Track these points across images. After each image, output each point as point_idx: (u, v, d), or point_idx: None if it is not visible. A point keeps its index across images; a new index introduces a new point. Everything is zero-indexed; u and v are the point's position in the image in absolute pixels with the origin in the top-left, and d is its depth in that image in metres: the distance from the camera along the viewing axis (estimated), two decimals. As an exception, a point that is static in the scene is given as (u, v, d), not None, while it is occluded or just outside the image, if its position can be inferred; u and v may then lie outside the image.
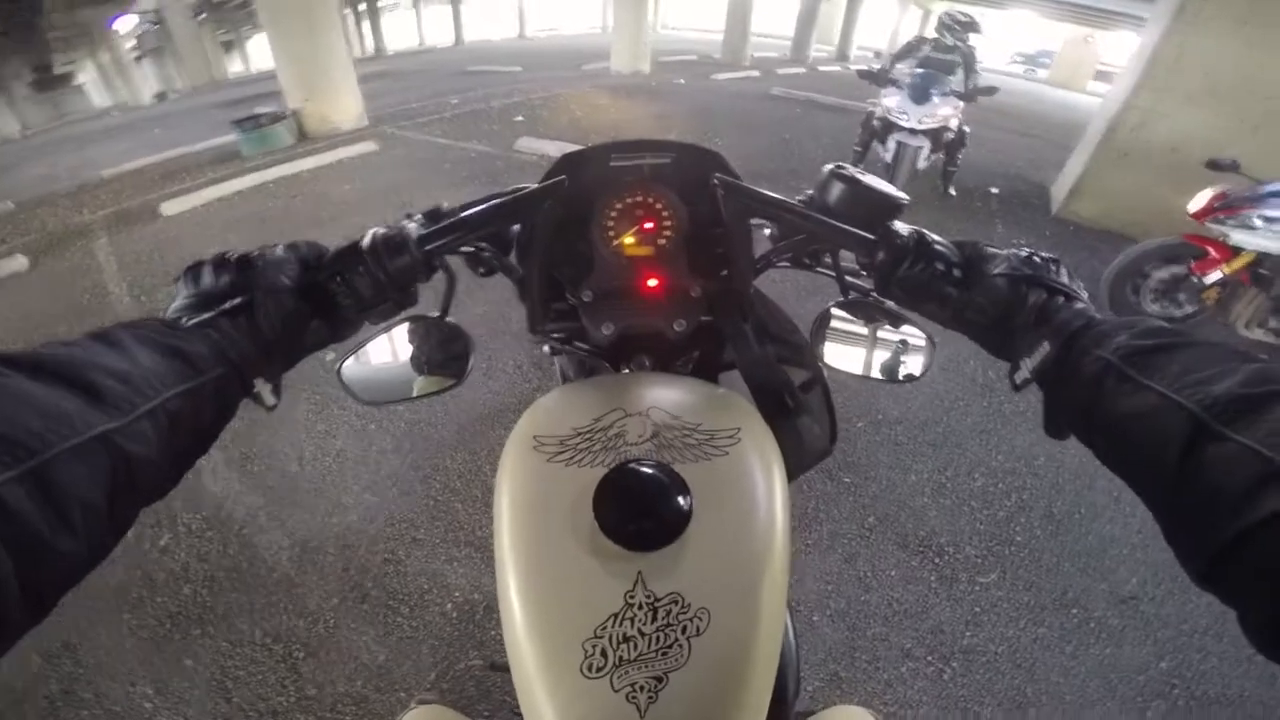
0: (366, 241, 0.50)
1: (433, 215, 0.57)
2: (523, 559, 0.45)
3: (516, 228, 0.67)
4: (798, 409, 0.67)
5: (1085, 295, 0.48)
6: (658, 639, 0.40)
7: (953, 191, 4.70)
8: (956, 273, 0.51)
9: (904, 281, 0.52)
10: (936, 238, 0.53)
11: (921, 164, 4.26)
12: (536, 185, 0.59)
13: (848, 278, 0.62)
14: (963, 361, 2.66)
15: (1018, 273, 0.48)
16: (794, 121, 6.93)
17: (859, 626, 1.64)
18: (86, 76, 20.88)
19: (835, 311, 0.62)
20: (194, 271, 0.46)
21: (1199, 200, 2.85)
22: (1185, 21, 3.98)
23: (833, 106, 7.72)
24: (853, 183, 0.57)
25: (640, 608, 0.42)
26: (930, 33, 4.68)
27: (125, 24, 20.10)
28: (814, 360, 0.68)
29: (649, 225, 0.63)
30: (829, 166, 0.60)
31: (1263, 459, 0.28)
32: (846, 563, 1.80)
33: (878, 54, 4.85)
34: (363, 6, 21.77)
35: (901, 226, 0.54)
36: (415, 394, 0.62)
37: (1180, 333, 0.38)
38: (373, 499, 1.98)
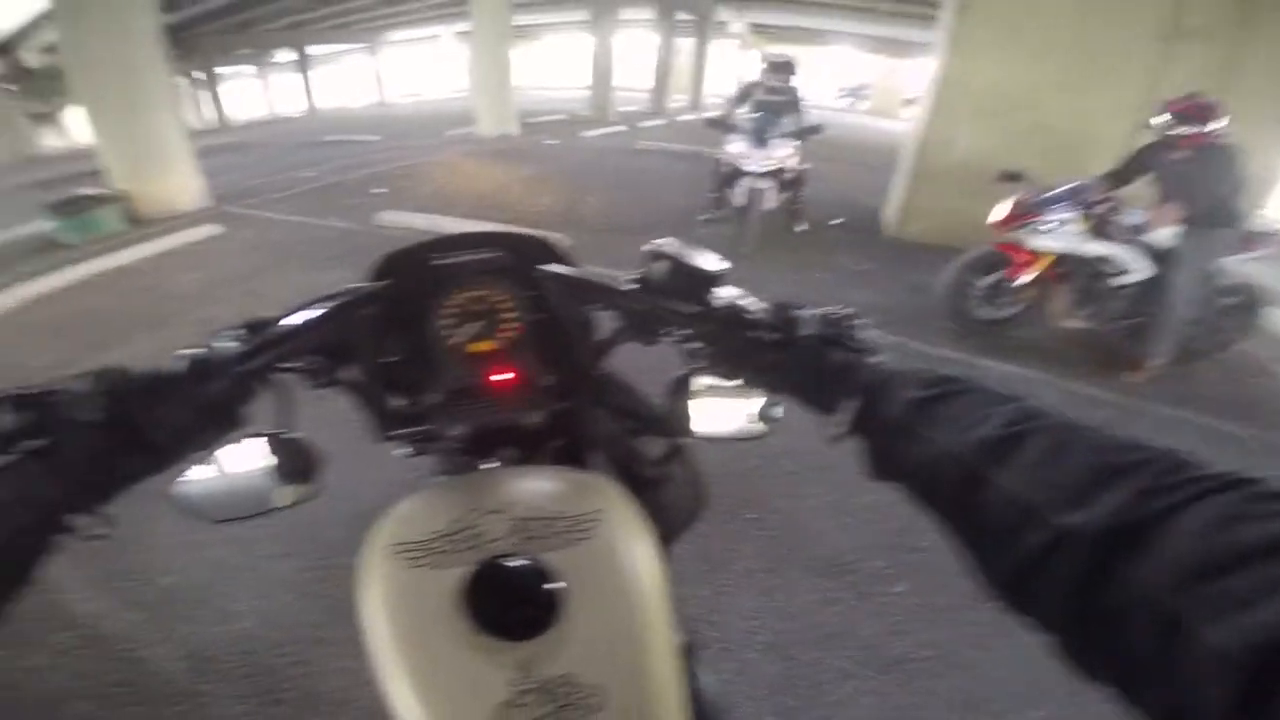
0: (175, 368, 0.47)
1: (253, 327, 0.53)
2: (398, 663, 0.44)
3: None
4: (660, 479, 0.68)
5: (880, 349, 0.51)
6: None
7: (802, 226, 5.13)
8: (773, 336, 0.53)
9: (724, 353, 0.55)
10: (752, 304, 0.55)
11: (770, 204, 4.60)
12: (358, 287, 0.58)
13: (689, 348, 0.64)
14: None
15: (822, 334, 0.51)
16: (658, 173, 7.37)
17: (792, 655, 1.67)
18: None
19: (686, 380, 0.63)
20: None
21: (999, 212, 3.24)
22: (958, 48, 4.67)
23: (691, 155, 8.24)
24: (673, 260, 0.59)
25: (530, 693, 0.42)
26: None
27: None
28: (673, 429, 0.68)
29: (485, 322, 0.63)
30: (647, 247, 0.61)
31: (1020, 498, 0.32)
32: (765, 596, 1.84)
33: (727, 99, 5.32)
34: (200, 74, 20.47)
35: (721, 296, 0.56)
36: (264, 509, 0.58)
37: (954, 380, 0.42)
38: (265, 604, 1.82)
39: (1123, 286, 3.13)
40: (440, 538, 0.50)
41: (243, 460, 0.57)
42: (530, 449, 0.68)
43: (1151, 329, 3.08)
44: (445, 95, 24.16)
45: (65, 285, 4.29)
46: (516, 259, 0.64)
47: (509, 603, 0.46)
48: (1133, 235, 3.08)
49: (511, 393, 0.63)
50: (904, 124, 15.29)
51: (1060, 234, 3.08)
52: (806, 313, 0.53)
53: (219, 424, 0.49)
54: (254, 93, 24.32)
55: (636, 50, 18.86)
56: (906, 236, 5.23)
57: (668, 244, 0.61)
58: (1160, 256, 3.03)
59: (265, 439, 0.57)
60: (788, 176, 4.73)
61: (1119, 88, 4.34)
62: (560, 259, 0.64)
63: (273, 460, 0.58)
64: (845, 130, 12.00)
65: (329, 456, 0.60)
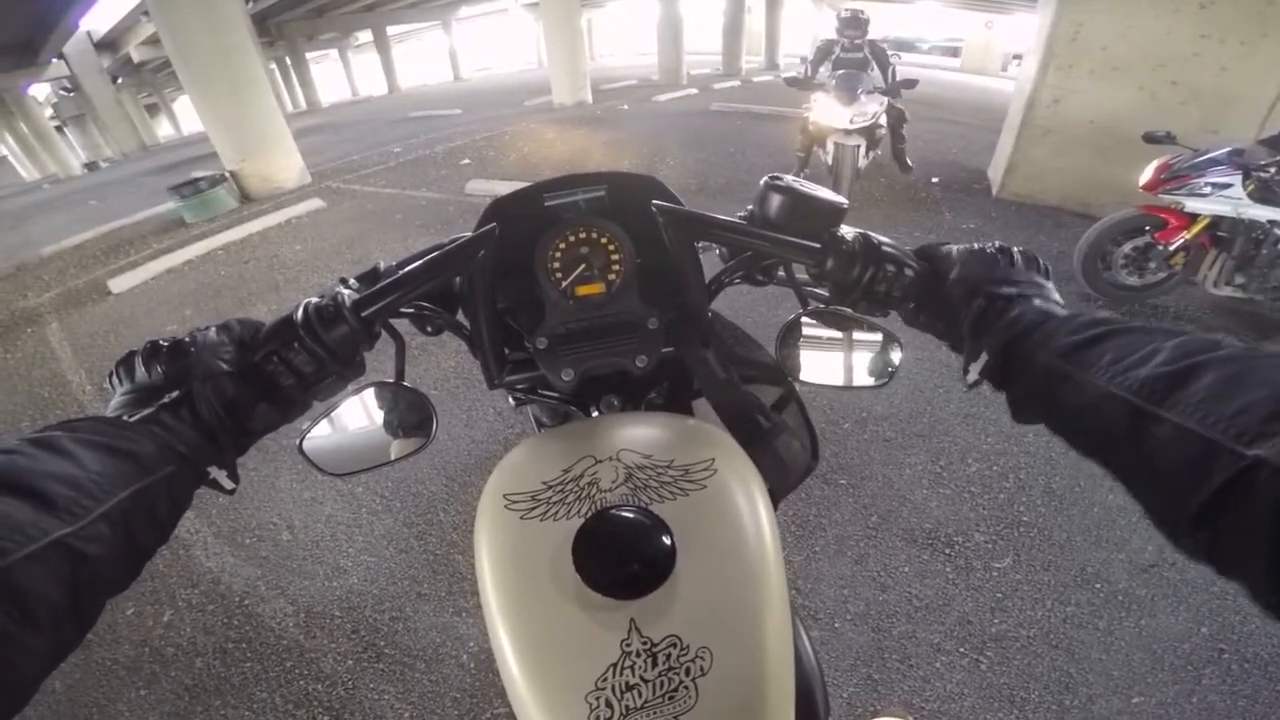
0: (299, 315, 0.48)
1: (369, 277, 0.55)
2: (512, 621, 0.44)
3: (459, 280, 0.63)
4: (773, 429, 0.65)
5: (1042, 285, 0.49)
6: (661, 684, 0.40)
7: (910, 164, 4.90)
8: (909, 273, 0.51)
9: (856, 287, 0.52)
10: (885, 240, 0.52)
11: (861, 163, 4.39)
12: (468, 236, 0.57)
13: (805, 288, 0.61)
14: (937, 350, 2.74)
15: (965, 277, 0.49)
16: (736, 134, 7.12)
17: (883, 627, 1.62)
18: (7, 148, 20.09)
19: (798, 324, 0.60)
20: (126, 364, 0.45)
21: (1146, 174, 3.03)
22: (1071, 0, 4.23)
23: (771, 115, 7.95)
24: (789, 193, 0.56)
25: (638, 655, 0.41)
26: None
27: (39, 91, 19.45)
28: (784, 377, 0.66)
29: (594, 264, 0.61)
30: (765, 179, 0.59)
31: (1195, 435, 0.30)
32: (858, 564, 1.79)
33: (804, 59, 5.07)
34: (289, 60, 21.60)
35: (847, 231, 0.53)
36: (381, 461, 0.60)
37: (1110, 321, 0.40)
38: (371, 559, 1.93)
39: None
40: (550, 487, 0.49)
41: (360, 415, 0.59)
42: (638, 395, 0.66)
43: None
44: (517, 68, 24.39)
45: (189, 259, 4.70)
46: (627, 199, 0.62)
47: (619, 558, 0.44)
48: None
49: (619, 336, 0.61)
50: (1001, 81, 14.37)
51: (1220, 198, 2.87)
52: (956, 249, 0.50)
53: (341, 370, 0.50)
54: (337, 75, 25.56)
55: (706, 12, 18.25)
56: (1016, 196, 4.85)
57: (785, 178, 0.57)
58: None
59: (383, 389, 0.59)
60: (880, 134, 4.50)
61: (1265, 43, 3.79)
62: (669, 197, 0.61)
63: (387, 413, 0.60)
64: (937, 87, 11.21)
65: (455, 395, 0.60)
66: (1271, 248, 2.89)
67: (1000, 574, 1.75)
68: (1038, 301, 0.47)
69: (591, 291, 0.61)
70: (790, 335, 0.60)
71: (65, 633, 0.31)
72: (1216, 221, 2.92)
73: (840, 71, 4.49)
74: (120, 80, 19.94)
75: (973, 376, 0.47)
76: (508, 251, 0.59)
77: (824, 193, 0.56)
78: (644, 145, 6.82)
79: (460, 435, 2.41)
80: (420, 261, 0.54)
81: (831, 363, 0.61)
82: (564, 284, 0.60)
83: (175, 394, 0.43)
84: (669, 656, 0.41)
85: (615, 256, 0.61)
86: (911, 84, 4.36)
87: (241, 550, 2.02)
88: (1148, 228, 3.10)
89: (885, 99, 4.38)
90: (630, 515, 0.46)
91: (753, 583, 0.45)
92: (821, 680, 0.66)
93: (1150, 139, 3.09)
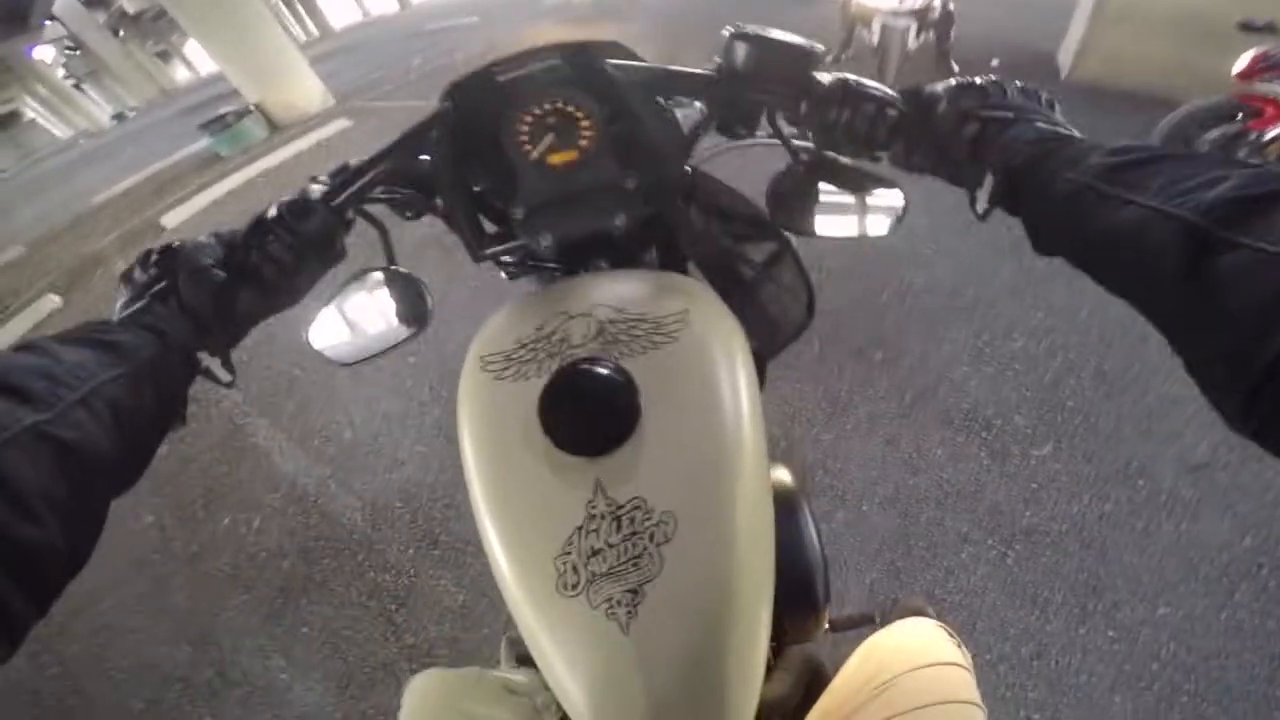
0: (272, 211, 0.51)
1: (338, 172, 0.57)
2: (486, 484, 0.44)
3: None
4: (757, 280, 0.64)
5: (1043, 110, 0.46)
6: (626, 549, 0.38)
7: (956, 68, 4.46)
8: (891, 112, 0.49)
9: (836, 128, 0.51)
10: (867, 81, 0.51)
11: (911, 45, 4.05)
12: (421, 119, 0.58)
13: (791, 141, 0.59)
14: (984, 227, 2.59)
15: (954, 106, 0.46)
16: (771, 16, 6.54)
17: (910, 512, 1.55)
18: (33, 111, 20.63)
19: (786, 175, 0.59)
20: (127, 275, 0.47)
21: (1242, 62, 2.85)
22: None
23: None
24: (756, 40, 0.54)
25: (603, 518, 0.40)
26: None
27: (44, 53, 19.55)
28: (776, 231, 0.65)
29: (563, 132, 0.60)
30: (728, 29, 0.56)
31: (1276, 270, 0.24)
32: (889, 445, 1.74)
33: None
34: None
35: (824, 76, 0.52)
36: (386, 346, 0.62)
37: (1160, 147, 0.34)
38: (424, 449, 2.06)
39: None
40: (523, 347, 0.49)
41: (358, 303, 0.61)
42: (624, 258, 0.65)
43: None
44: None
45: (231, 190, 4.82)
46: (584, 65, 0.60)
47: (580, 414, 0.42)
48: None
49: (598, 198, 0.60)
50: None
51: None
52: (940, 85, 0.48)
53: (320, 257, 0.52)
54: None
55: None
56: (1089, 80, 4.41)
57: (749, 27, 0.55)
58: None
59: (374, 275, 0.61)
60: (933, 17, 4.11)
61: None
62: (630, 56, 0.60)
63: (384, 299, 0.62)
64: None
65: (435, 289, 0.61)
66: None
67: (1038, 462, 1.65)
68: (1040, 123, 0.43)
69: (565, 159, 0.60)
70: (780, 187, 0.59)
71: (70, 530, 0.31)
72: None
73: None
74: (122, 33, 19.74)
75: (982, 204, 0.44)
76: (474, 131, 0.59)
77: (792, 37, 0.54)
78: (668, 36, 6.36)
79: (484, 308, 2.47)
80: (388, 151, 0.56)
81: (826, 212, 0.60)
82: (534, 155, 0.59)
83: (161, 286, 0.44)
84: (633, 520, 0.39)
85: (585, 123, 0.60)
86: None
87: (312, 452, 2.19)
88: (1240, 115, 2.90)
89: None
90: (595, 370, 0.44)
91: (722, 445, 0.42)
92: (824, 565, 0.63)
93: (1247, 27, 2.91)
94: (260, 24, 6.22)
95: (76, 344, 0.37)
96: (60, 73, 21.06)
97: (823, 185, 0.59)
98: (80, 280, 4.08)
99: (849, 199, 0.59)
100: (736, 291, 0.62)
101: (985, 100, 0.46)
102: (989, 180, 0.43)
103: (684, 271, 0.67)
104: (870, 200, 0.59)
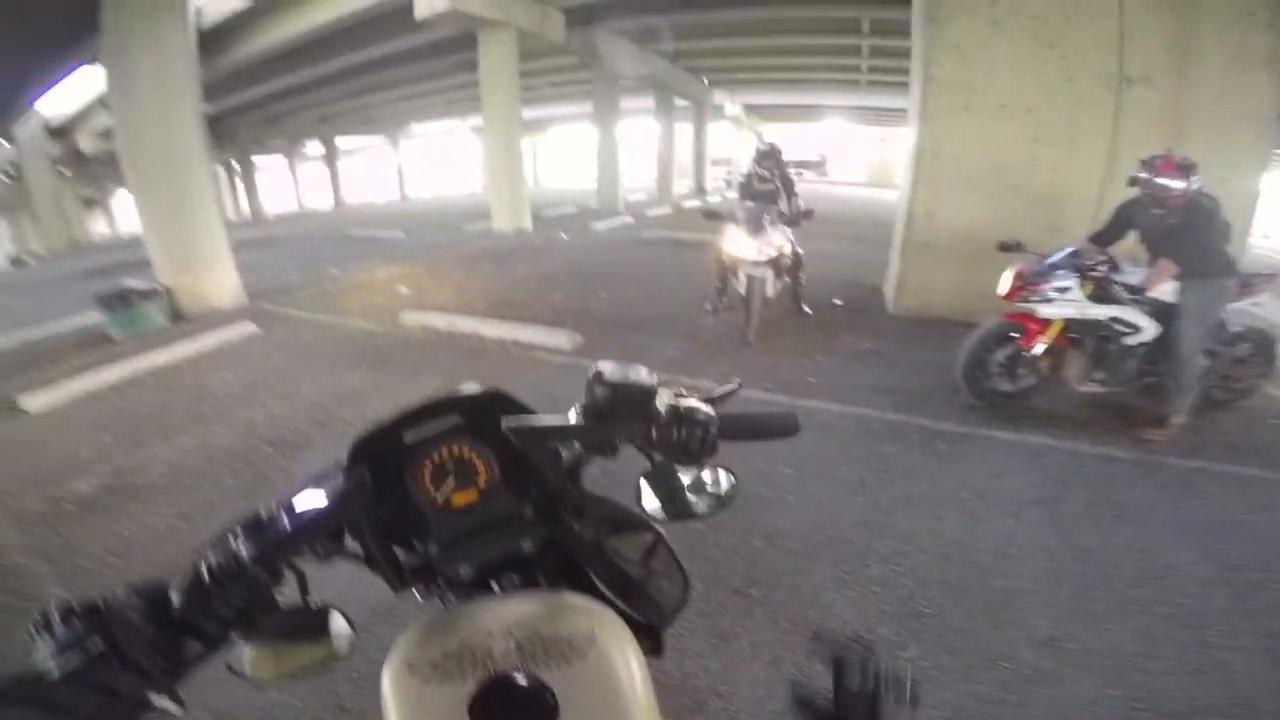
0: (206, 576, 0.55)
1: (254, 525, 0.60)
2: None
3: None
4: (643, 577, 0.76)
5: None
6: None
7: (807, 310, 5.31)
8: (713, 430, 0.62)
9: (677, 446, 0.63)
10: (691, 403, 0.65)
11: (770, 292, 4.72)
12: (339, 482, 0.64)
13: (645, 450, 0.71)
14: (835, 466, 3.00)
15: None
16: (664, 264, 7.74)
17: None
18: None
19: (647, 479, 0.73)
20: (44, 625, 0.49)
21: (1004, 283, 3.32)
22: (928, 117, 4.73)
23: (696, 243, 8.53)
24: (608, 384, 0.65)
25: None
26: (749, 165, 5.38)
27: None
28: (648, 524, 0.77)
29: (462, 475, 0.69)
30: (591, 372, 0.67)
31: None
32: (773, 667, 1.89)
33: (728, 180, 5.65)
34: (236, 164, 21.65)
35: (661, 403, 0.65)
36: (306, 668, 0.64)
37: None
38: None
39: (1133, 346, 3.17)
40: (448, 657, 0.55)
41: (283, 629, 0.64)
42: (528, 570, 0.75)
43: (1168, 386, 3.14)
44: (464, 190, 25.24)
45: (113, 381, 4.54)
46: (477, 418, 0.71)
47: (510, 717, 0.51)
48: (1134, 294, 3.16)
49: (502, 527, 0.70)
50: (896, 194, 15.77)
51: (1064, 301, 3.16)
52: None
53: (254, 610, 0.57)
54: (284, 184, 25.82)
55: (643, 139, 20.05)
56: (908, 312, 5.28)
57: (604, 368, 0.67)
58: (1164, 313, 3.11)
59: (296, 612, 0.64)
60: (786, 263, 4.84)
61: (1081, 141, 4.44)
62: (518, 408, 0.72)
63: (306, 628, 0.65)
64: (841, 204, 12.41)
65: (354, 617, 0.68)
66: (1118, 343, 3.19)
67: (908, 662, 1.85)
68: None
69: (467, 498, 0.69)
70: (644, 491, 0.73)
71: None
72: (1070, 323, 3.20)
73: (747, 203, 4.95)
74: (67, 172, 18.95)
75: None
76: (380, 481, 0.67)
77: (636, 375, 0.66)
78: (578, 277, 7.25)
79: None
80: (306, 505, 0.61)
81: (681, 502, 0.73)
82: (440, 499, 0.68)
83: (100, 648, 0.47)
84: None
85: (481, 465, 0.70)
86: (809, 215, 4.83)
87: None
88: (1013, 335, 3.32)
89: (789, 230, 4.82)
90: (519, 682, 0.53)
91: None
92: None
93: (1004, 248, 3.41)
94: (204, 200, 6.24)
95: (32, 708, 0.41)
96: (-20, 200, 19.31)
97: (675, 481, 0.73)
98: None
99: (695, 487, 0.73)
100: (626, 586, 0.73)
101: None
102: None
103: (577, 573, 0.75)
104: (711, 484, 0.73)
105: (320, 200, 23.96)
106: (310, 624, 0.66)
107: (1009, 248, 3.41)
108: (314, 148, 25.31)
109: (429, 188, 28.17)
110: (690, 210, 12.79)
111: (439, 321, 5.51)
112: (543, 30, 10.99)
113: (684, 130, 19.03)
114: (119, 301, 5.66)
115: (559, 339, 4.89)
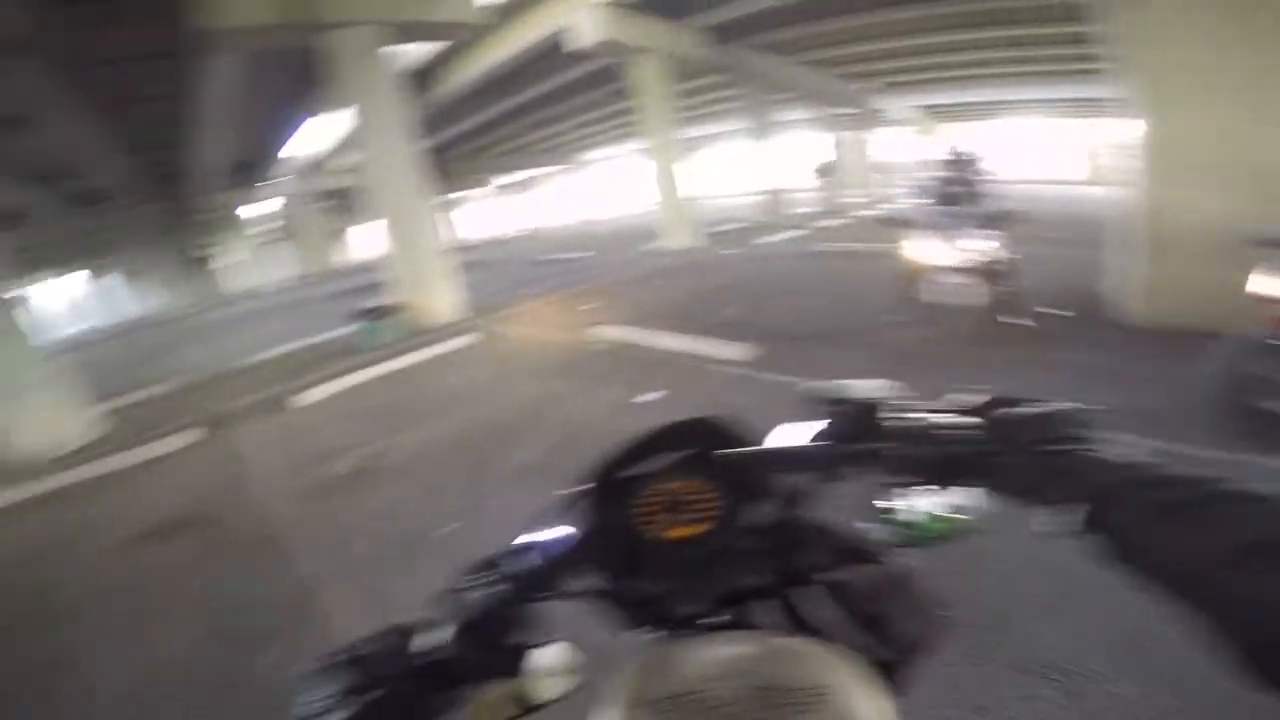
0: (460, 616, 0.55)
1: (499, 563, 0.61)
2: None
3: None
4: (883, 611, 0.69)
5: (1107, 445, 0.49)
6: None
7: (1022, 320, 4.52)
8: (980, 448, 0.54)
9: (924, 471, 0.58)
10: (947, 417, 0.57)
11: (970, 299, 4.29)
12: (578, 522, 0.66)
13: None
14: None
15: (1038, 437, 0.51)
16: (837, 276, 7.47)
17: None
18: (219, 262, 23.21)
19: (880, 502, 0.65)
20: (310, 675, 0.51)
21: (1262, 283, 2.73)
22: (1155, 101, 4.22)
23: (869, 254, 8.13)
24: (834, 401, 0.63)
25: None
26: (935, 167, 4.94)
27: (248, 210, 22.22)
28: (883, 553, 0.72)
29: (682, 510, 0.66)
30: (806, 391, 0.65)
31: None
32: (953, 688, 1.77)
33: (910, 188, 5.21)
34: (443, 197, 24.83)
35: (904, 419, 0.59)
36: (543, 702, 0.64)
37: (1205, 480, 0.39)
38: None
39: None
40: (676, 702, 0.52)
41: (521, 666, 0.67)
42: (753, 608, 0.72)
43: None
44: (641, 209, 26.68)
45: (362, 382, 5.72)
46: (700, 448, 0.69)
47: None
48: None
49: (729, 561, 0.66)
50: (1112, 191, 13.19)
51: None
52: (1016, 413, 0.53)
53: (510, 657, 0.57)
54: (481, 213, 29.36)
55: (808, 150, 19.51)
56: (1147, 321, 4.49)
57: (824, 387, 0.64)
58: None
59: (532, 647, 0.67)
60: (995, 268, 4.32)
61: None
62: (736, 437, 0.69)
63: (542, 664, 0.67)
64: (1057, 204, 10.85)
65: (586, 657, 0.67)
66: None
67: (1113, 698, 1.68)
68: (1115, 454, 0.47)
69: (689, 533, 0.66)
70: (874, 509, 0.65)
71: None
72: None
73: (943, 208, 4.51)
74: (322, 206, 22.62)
75: (1050, 524, 0.47)
76: (603, 522, 0.66)
77: (865, 388, 0.63)
78: (749, 292, 7.32)
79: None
80: (551, 551, 0.63)
81: (923, 527, 0.67)
82: (662, 534, 0.66)
83: (375, 694, 0.50)
84: None
85: (702, 498, 0.67)
86: (1004, 217, 4.27)
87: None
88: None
89: (993, 233, 4.29)
90: None
91: None
92: None
93: (1264, 243, 2.81)
94: (432, 225, 7.53)
95: None
96: (256, 229, 23.86)
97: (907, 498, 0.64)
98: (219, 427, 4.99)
99: (939, 508, 0.67)
100: (862, 622, 0.69)
101: (1071, 429, 0.50)
102: (1073, 509, 0.45)
103: (810, 610, 0.75)
104: (953, 503, 0.67)
105: (514, 225, 26.67)
106: (547, 659, 0.64)
107: (1273, 243, 2.80)
108: (507, 179, 28.42)
109: (607, 209, 29.92)
110: (861, 220, 12.11)
111: (622, 335, 6.03)
112: (684, 51, 11.47)
113: (850, 139, 18.33)
114: (367, 317, 7.06)
115: (735, 351, 5.01)
